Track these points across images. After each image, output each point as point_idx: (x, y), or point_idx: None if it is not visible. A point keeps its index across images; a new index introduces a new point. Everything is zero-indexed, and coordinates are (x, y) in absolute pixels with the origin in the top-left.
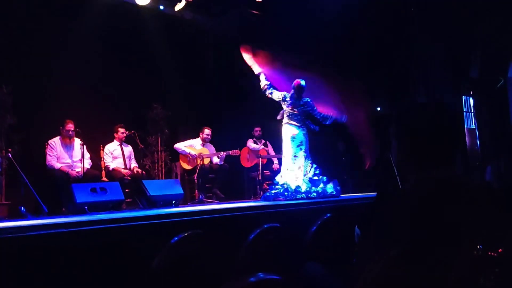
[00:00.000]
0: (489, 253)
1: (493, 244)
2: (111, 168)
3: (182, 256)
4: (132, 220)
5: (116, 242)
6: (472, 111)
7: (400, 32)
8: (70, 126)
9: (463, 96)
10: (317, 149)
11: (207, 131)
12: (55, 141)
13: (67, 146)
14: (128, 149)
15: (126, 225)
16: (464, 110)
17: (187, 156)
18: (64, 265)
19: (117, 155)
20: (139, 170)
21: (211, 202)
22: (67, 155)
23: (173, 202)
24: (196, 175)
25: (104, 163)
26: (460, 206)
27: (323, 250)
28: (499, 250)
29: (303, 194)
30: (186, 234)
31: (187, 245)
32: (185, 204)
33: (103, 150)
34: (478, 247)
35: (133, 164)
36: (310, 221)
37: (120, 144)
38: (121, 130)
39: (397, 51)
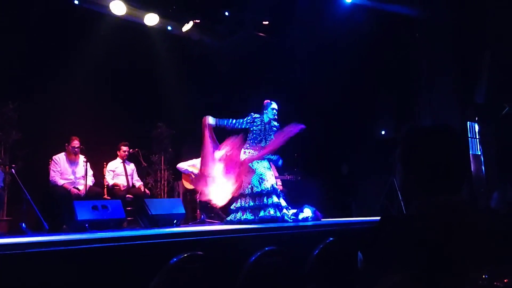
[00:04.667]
0: (495, 283)
1: (499, 274)
2: (110, 184)
3: (182, 277)
4: (132, 239)
5: (115, 261)
6: (477, 137)
7: (405, 56)
8: (76, 143)
9: (468, 122)
10: (319, 173)
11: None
12: (60, 157)
13: (72, 162)
14: (131, 167)
15: (125, 244)
16: (469, 136)
17: (189, 175)
18: (62, 283)
19: (119, 172)
20: (143, 189)
21: (213, 222)
22: (71, 172)
23: (175, 221)
24: (198, 194)
25: (106, 180)
26: (465, 233)
27: (324, 274)
28: (505, 281)
29: None
30: (185, 255)
31: (186, 266)
32: (186, 224)
33: (106, 167)
34: (483, 276)
35: (138, 182)
36: (312, 245)
37: (123, 162)
38: (124, 148)
39: (402, 76)
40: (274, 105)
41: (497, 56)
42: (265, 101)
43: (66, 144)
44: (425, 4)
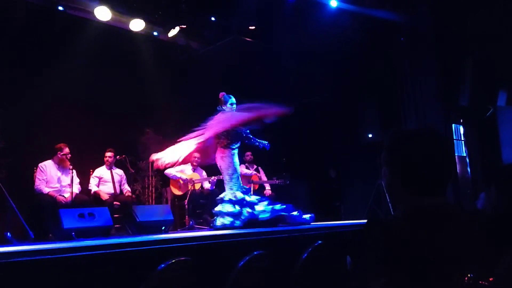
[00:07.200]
0: (480, 282)
1: (483, 273)
2: (92, 191)
3: (170, 284)
4: (119, 247)
5: (103, 269)
6: (463, 139)
7: (390, 60)
8: (67, 150)
9: (453, 124)
10: (308, 176)
11: (196, 154)
12: (46, 165)
13: (61, 170)
14: (119, 174)
15: (113, 251)
16: (455, 138)
17: (177, 181)
18: None
19: (106, 179)
20: (130, 195)
21: (202, 228)
22: (57, 180)
23: (163, 228)
24: (186, 200)
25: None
26: (451, 234)
27: (313, 277)
28: (490, 279)
29: None
30: (173, 260)
31: (174, 272)
32: (175, 230)
33: (92, 174)
34: (468, 275)
35: (126, 188)
36: (300, 248)
37: (110, 169)
38: (108, 154)
39: (388, 79)
40: (233, 100)
41: (480, 60)
42: (221, 94)
43: (59, 152)
44: (409, 9)
